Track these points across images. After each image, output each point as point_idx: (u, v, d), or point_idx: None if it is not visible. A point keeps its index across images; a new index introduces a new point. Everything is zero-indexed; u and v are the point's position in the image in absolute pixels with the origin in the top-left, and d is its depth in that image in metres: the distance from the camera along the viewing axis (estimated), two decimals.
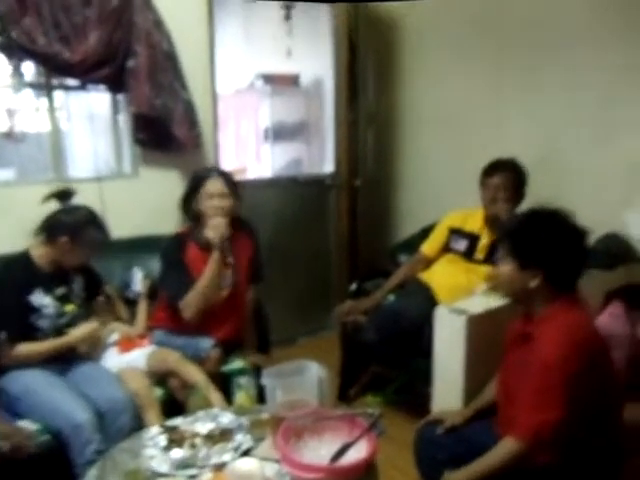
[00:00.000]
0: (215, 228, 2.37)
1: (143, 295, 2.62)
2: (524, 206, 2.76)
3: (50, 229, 2.21)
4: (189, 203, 2.50)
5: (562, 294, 1.66)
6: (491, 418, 1.84)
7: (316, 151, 4.24)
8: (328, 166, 4.03)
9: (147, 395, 2.21)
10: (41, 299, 2.19)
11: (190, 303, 2.36)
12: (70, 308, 2.27)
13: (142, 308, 2.59)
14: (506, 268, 1.70)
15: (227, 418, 1.84)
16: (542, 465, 1.59)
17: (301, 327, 3.94)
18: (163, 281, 2.51)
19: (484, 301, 2.34)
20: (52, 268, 2.25)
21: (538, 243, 1.65)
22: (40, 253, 2.23)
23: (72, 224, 2.20)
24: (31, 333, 2.16)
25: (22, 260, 2.22)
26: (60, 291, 2.25)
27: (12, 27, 2.45)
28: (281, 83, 4.13)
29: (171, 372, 2.32)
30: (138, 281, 2.63)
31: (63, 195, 2.27)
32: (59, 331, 2.23)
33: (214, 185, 2.44)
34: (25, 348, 2.13)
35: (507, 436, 1.61)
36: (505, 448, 1.60)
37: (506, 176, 2.68)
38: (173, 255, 2.47)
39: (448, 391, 2.23)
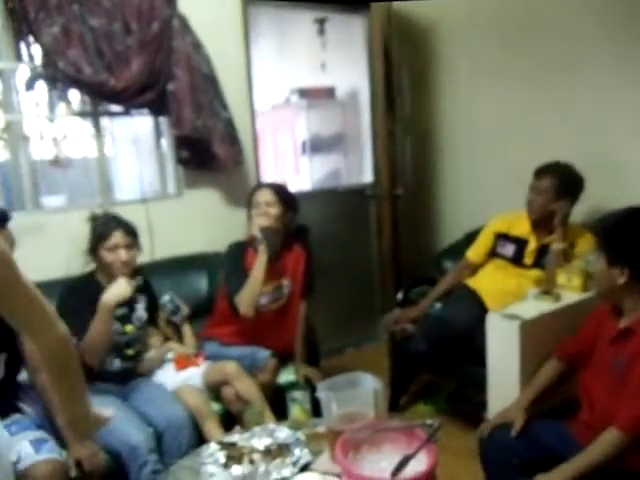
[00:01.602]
0: (255, 224, 2.54)
1: (185, 317, 2.66)
2: (580, 210, 2.73)
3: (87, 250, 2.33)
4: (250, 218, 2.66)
5: None
6: (561, 419, 1.83)
7: (354, 162, 4.25)
8: (366, 176, 4.03)
9: (205, 407, 2.26)
10: None
11: (242, 298, 2.47)
12: (129, 329, 2.33)
13: (187, 329, 2.64)
14: (598, 265, 1.73)
15: (284, 433, 1.84)
16: (633, 469, 1.58)
17: (348, 338, 3.94)
18: (225, 282, 2.62)
19: (536, 305, 2.31)
20: None
21: (625, 239, 1.66)
22: (99, 274, 2.33)
23: (89, 240, 2.31)
24: None
25: (87, 281, 2.32)
26: (121, 311, 2.31)
27: (58, 58, 2.54)
28: (317, 96, 4.17)
29: (227, 382, 2.35)
30: (182, 305, 2.67)
31: (93, 219, 2.36)
32: (119, 350, 2.29)
33: (261, 195, 2.59)
34: (86, 338, 2.15)
35: (609, 429, 1.59)
36: (607, 441, 1.59)
37: (547, 180, 2.65)
38: (234, 258, 2.62)
39: (504, 398, 2.18)
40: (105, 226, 2.29)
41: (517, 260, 2.76)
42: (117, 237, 2.26)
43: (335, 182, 4.29)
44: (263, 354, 2.46)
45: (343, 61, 3.98)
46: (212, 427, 2.19)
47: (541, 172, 2.69)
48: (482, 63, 3.50)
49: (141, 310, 2.39)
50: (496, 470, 1.90)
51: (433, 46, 3.79)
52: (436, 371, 3.00)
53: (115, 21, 2.66)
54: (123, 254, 2.26)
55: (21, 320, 1.19)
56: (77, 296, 2.24)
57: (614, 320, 1.74)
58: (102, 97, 2.75)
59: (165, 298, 2.64)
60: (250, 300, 2.48)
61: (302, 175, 4.40)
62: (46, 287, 2.28)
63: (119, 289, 2.20)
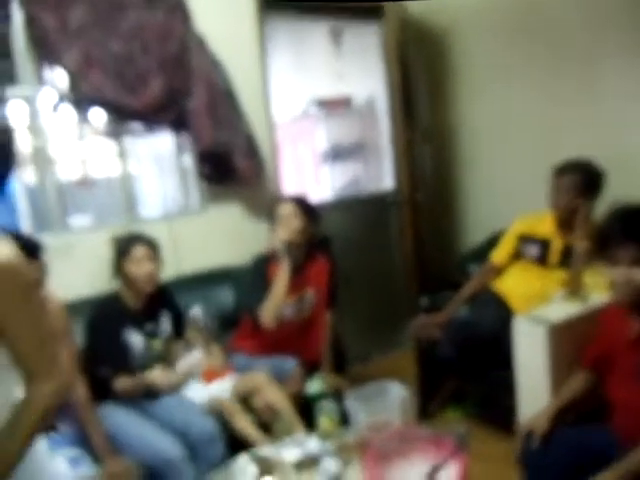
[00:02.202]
0: (276, 237, 2.59)
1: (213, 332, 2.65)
2: (600, 207, 2.70)
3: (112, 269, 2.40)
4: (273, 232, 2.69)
5: None
6: (602, 422, 1.81)
7: (373, 169, 4.26)
8: (386, 183, 4.03)
9: (233, 405, 2.30)
10: (131, 335, 2.32)
11: (265, 310, 2.52)
12: (157, 344, 2.38)
13: (215, 349, 2.60)
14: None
15: (313, 444, 1.86)
16: None
17: (374, 345, 3.92)
18: (247, 294, 2.66)
19: (563, 308, 2.29)
20: (141, 305, 2.38)
21: None
22: (124, 293, 2.38)
23: (113, 257, 2.39)
24: (126, 368, 2.27)
25: (113, 300, 2.38)
26: (149, 327, 2.37)
27: (81, 81, 2.61)
28: (334, 106, 4.19)
29: (256, 392, 2.37)
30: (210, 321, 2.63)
31: (115, 240, 2.45)
32: (148, 365, 2.33)
33: (284, 208, 2.64)
34: (118, 384, 2.23)
35: None
36: None
37: (570, 178, 2.63)
38: (256, 271, 2.67)
39: (534, 402, 2.17)
40: (127, 242, 2.38)
41: (542, 261, 2.73)
42: (139, 250, 2.35)
43: (355, 190, 4.30)
44: (290, 364, 2.49)
45: (359, 70, 4.00)
46: (242, 421, 2.23)
47: (562, 170, 2.67)
48: (499, 66, 3.48)
49: (166, 323, 2.44)
50: (539, 474, 1.88)
51: (449, 52, 3.79)
52: (463, 376, 2.97)
53: (134, 42, 2.71)
54: (147, 266, 2.34)
55: (23, 358, 1.09)
56: (104, 317, 2.32)
57: (628, 321, 1.71)
58: (125, 117, 2.80)
59: (195, 311, 2.56)
60: (272, 311, 2.51)
61: (323, 184, 4.42)
62: (74, 307, 2.39)
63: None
